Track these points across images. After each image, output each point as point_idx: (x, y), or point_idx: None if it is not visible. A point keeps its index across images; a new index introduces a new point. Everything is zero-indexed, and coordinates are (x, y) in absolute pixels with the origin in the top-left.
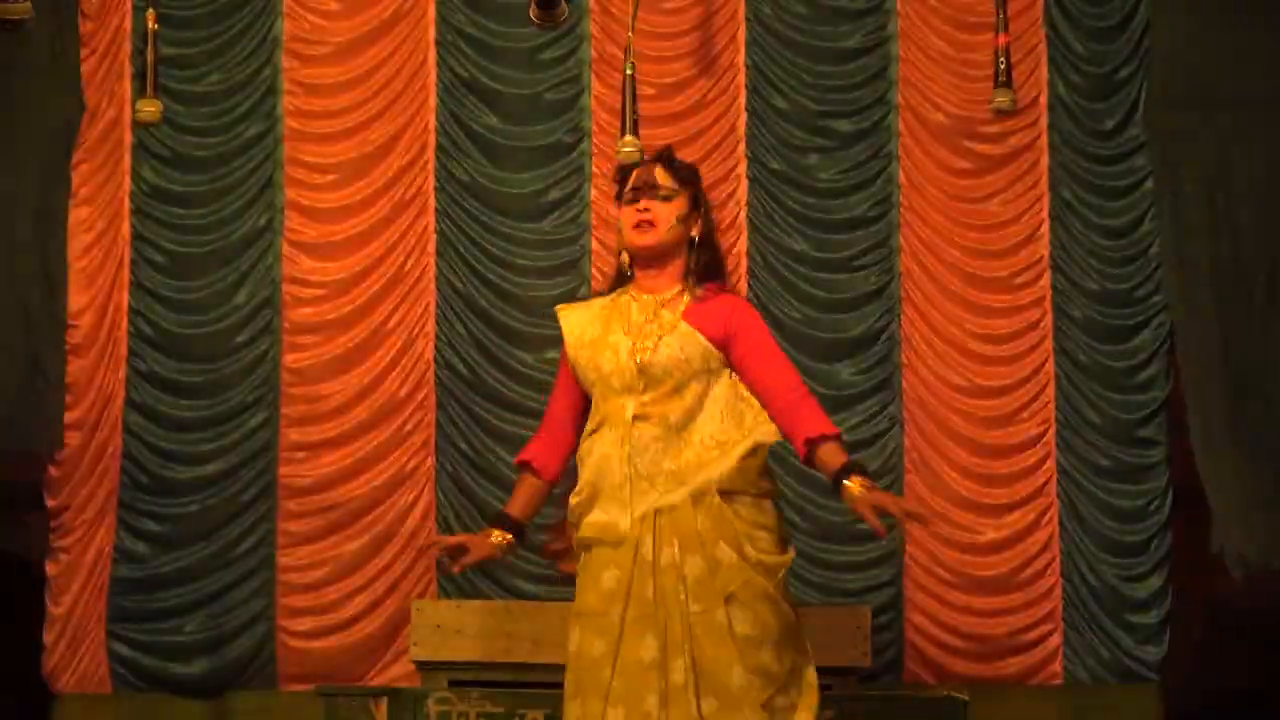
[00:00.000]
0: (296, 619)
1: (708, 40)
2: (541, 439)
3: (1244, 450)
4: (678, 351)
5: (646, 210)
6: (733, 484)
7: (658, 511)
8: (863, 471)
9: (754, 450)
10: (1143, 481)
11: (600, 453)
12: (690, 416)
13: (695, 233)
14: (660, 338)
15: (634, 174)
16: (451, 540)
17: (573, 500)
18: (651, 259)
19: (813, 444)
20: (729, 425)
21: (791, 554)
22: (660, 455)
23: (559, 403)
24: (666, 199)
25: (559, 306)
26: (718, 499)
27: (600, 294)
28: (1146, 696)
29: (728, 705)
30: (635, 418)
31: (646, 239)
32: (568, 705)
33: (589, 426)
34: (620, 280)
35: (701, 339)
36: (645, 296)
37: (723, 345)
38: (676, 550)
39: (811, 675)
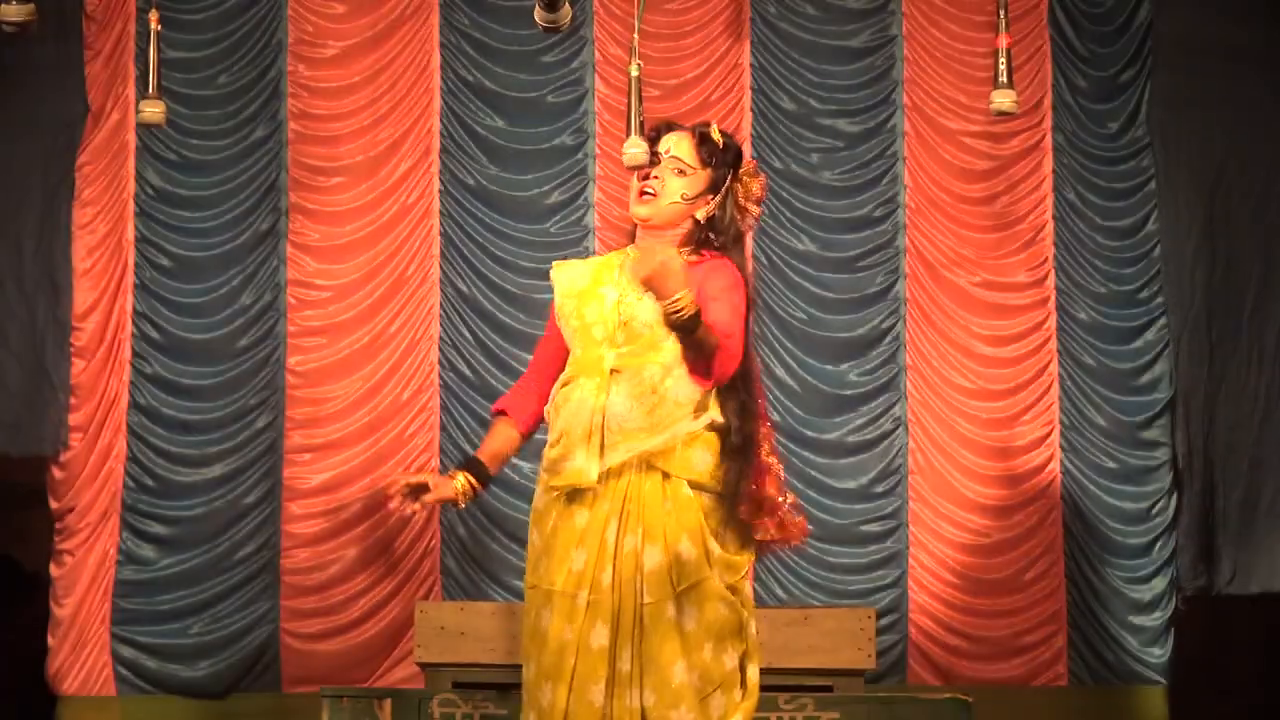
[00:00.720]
0: (301, 621)
1: (712, 41)
2: (520, 389)
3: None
4: (659, 310)
5: (655, 180)
6: (705, 479)
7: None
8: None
9: (711, 426)
10: (1147, 483)
11: (577, 399)
12: (666, 372)
13: (703, 214)
14: (644, 293)
15: (665, 136)
16: (413, 479)
17: (549, 452)
18: (651, 227)
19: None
20: (700, 391)
21: (752, 554)
22: (634, 409)
23: (542, 354)
24: (680, 173)
25: (557, 262)
26: (687, 489)
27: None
28: (1151, 698)
29: (665, 701)
30: (613, 370)
31: (645, 209)
32: (537, 684)
33: (564, 376)
34: (630, 238)
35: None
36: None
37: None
38: (640, 538)
39: (755, 676)
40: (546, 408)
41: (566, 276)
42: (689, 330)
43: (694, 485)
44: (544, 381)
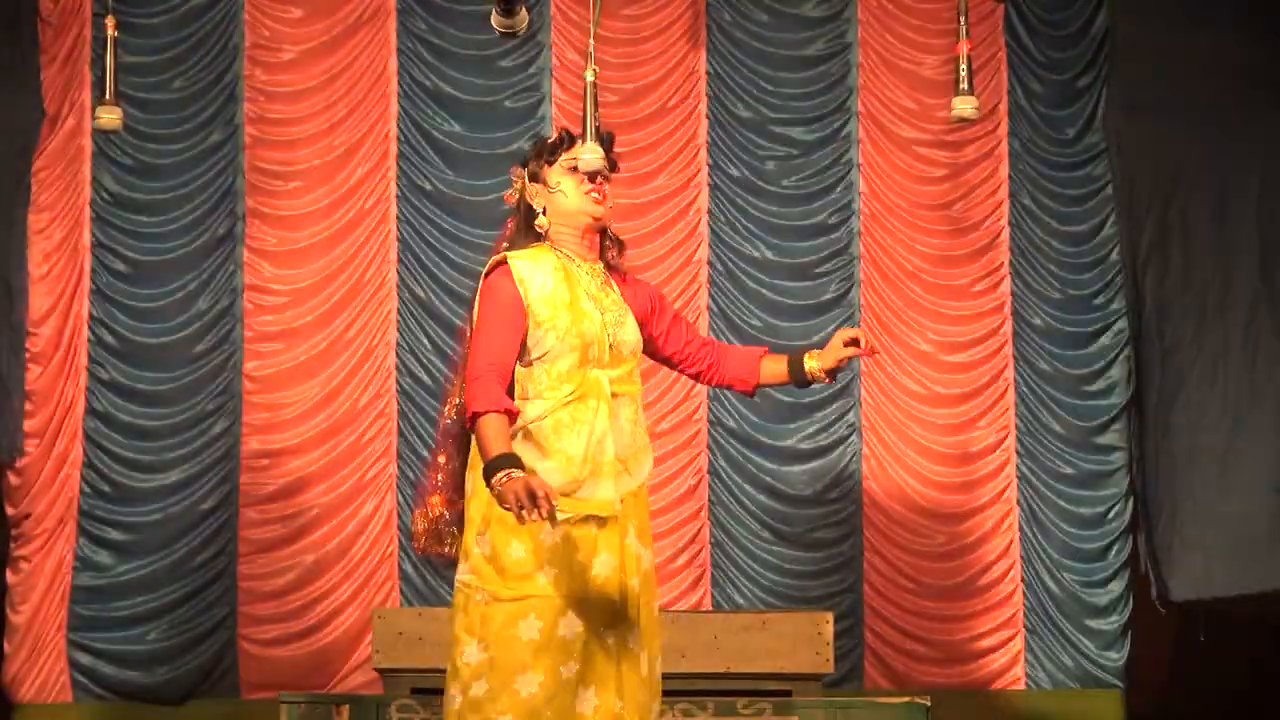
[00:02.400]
0: (258, 627)
1: (669, 47)
2: (500, 386)
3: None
4: (636, 334)
5: (603, 185)
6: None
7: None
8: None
9: None
10: (1103, 488)
11: (590, 422)
12: (642, 397)
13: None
14: (620, 315)
15: (580, 145)
16: (551, 490)
17: (576, 472)
18: (592, 230)
19: (763, 357)
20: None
21: None
22: (634, 435)
23: (505, 346)
24: (604, 179)
25: (510, 253)
26: (646, 493)
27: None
28: (1108, 702)
29: (654, 693)
30: (614, 395)
31: (601, 210)
32: (579, 693)
33: (564, 392)
34: (532, 236)
35: (634, 320)
36: (580, 263)
37: (644, 321)
38: (635, 540)
39: None
40: (544, 422)
41: (534, 277)
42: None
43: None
44: (507, 376)
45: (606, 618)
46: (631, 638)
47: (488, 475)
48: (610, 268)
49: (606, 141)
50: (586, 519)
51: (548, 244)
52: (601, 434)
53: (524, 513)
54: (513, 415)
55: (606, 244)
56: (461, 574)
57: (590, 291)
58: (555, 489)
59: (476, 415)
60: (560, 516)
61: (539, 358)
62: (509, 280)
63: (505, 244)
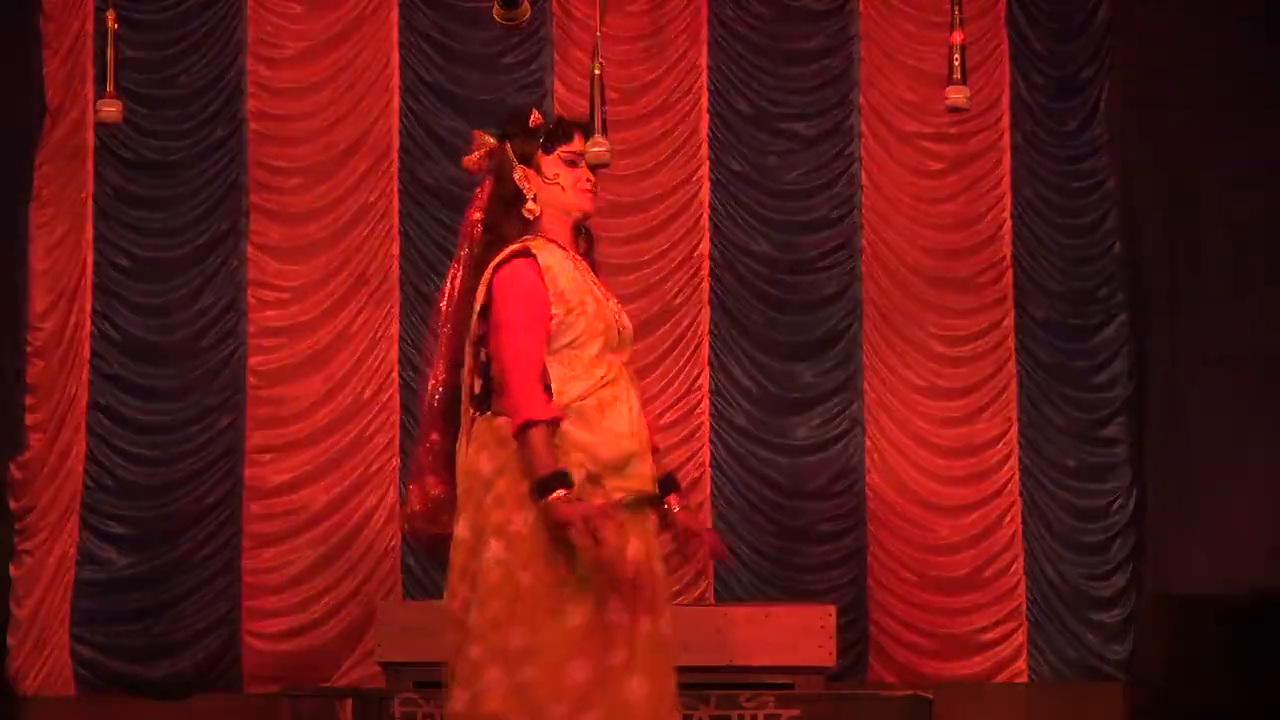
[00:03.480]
0: (261, 621)
1: (670, 43)
2: (543, 389)
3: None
4: (629, 323)
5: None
6: None
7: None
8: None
9: None
10: (1105, 480)
11: (626, 402)
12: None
13: None
14: (618, 304)
15: (578, 138)
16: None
17: (626, 445)
18: (581, 220)
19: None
20: None
21: None
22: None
23: (542, 345)
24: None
25: (531, 241)
26: None
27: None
28: (1111, 695)
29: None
30: (631, 378)
31: (592, 203)
32: (620, 678)
33: (600, 374)
34: (525, 228)
35: None
36: (569, 252)
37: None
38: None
39: None
40: (588, 401)
41: (560, 265)
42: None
43: None
44: (545, 378)
45: (643, 603)
46: (663, 623)
47: (542, 490)
48: (581, 254)
49: (587, 130)
50: (638, 501)
51: (540, 233)
52: (637, 413)
53: (581, 536)
54: (557, 423)
55: (579, 237)
56: (497, 552)
57: (589, 280)
58: (606, 464)
59: (530, 423)
60: (617, 496)
61: (568, 344)
62: (534, 271)
63: (479, 217)
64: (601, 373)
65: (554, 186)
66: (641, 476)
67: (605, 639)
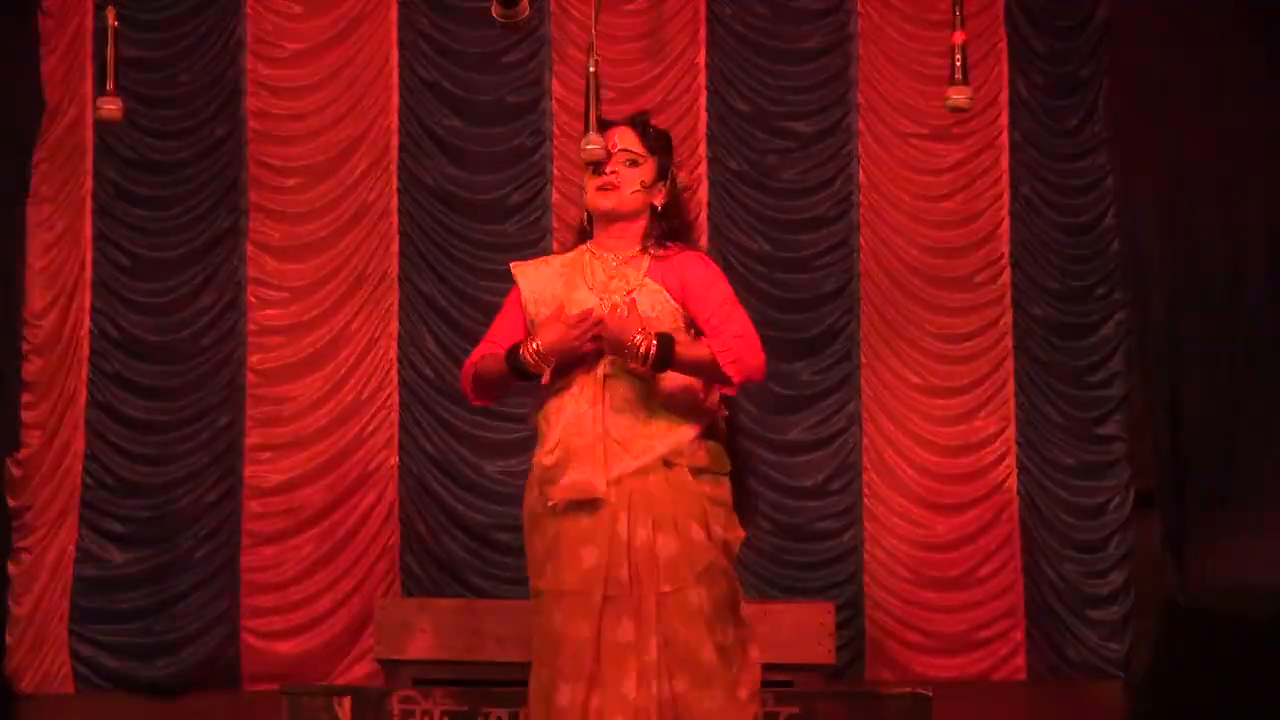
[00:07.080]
0: (260, 619)
1: (668, 42)
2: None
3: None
4: (648, 309)
5: (612, 173)
6: (704, 462)
7: (634, 476)
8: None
9: (713, 426)
10: (1103, 478)
11: (573, 411)
12: (648, 379)
13: (658, 200)
14: (630, 294)
15: (608, 133)
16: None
17: (545, 460)
18: (611, 220)
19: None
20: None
21: (743, 532)
22: (633, 417)
23: (501, 331)
24: (633, 164)
25: (515, 263)
26: (688, 474)
27: (558, 253)
28: (1109, 692)
29: (699, 683)
30: (606, 377)
31: (607, 202)
32: (551, 686)
33: (554, 385)
34: (581, 238)
35: (668, 296)
36: (606, 254)
37: (683, 301)
38: (650, 529)
39: (755, 653)
40: (537, 416)
41: (534, 283)
42: (664, 365)
43: (695, 470)
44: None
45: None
46: (631, 629)
47: (516, 363)
48: (648, 251)
49: (639, 121)
50: (573, 505)
51: (593, 239)
52: (576, 418)
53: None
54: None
55: (647, 236)
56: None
57: (596, 278)
58: (543, 472)
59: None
60: (548, 504)
61: None
62: (513, 291)
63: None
64: (559, 384)
65: (586, 192)
66: (574, 486)
67: (551, 647)
